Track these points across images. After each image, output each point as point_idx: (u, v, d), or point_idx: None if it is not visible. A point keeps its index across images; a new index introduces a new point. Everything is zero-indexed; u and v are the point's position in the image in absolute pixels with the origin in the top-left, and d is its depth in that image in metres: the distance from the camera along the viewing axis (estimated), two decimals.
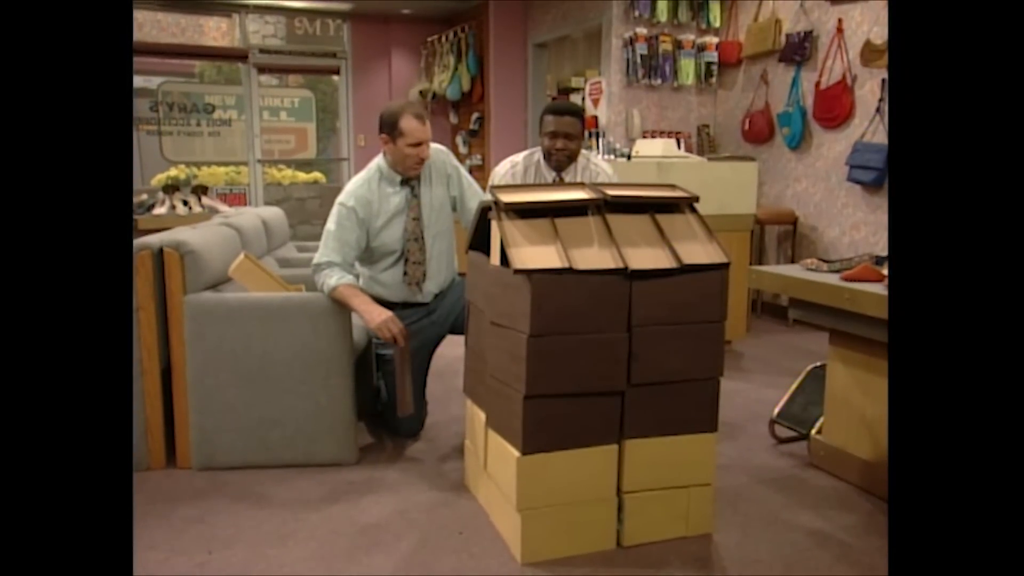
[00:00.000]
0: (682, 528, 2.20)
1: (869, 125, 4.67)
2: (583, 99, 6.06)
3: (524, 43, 7.07)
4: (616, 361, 2.05)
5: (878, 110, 4.60)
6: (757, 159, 5.10)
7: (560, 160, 3.03)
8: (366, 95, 8.03)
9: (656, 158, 4.35)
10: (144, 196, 5.36)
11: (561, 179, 3.07)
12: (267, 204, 6.98)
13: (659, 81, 5.73)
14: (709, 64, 5.80)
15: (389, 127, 2.73)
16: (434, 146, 2.87)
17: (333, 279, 2.64)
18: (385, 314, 2.62)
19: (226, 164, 8.65)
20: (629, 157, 4.49)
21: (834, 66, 4.90)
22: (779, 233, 5.46)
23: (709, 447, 2.20)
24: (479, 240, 2.37)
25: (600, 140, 5.30)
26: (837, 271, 2.59)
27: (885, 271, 2.38)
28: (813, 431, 2.76)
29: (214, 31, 7.56)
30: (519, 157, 3.17)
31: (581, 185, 2.38)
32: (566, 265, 1.97)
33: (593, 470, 2.09)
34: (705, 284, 2.09)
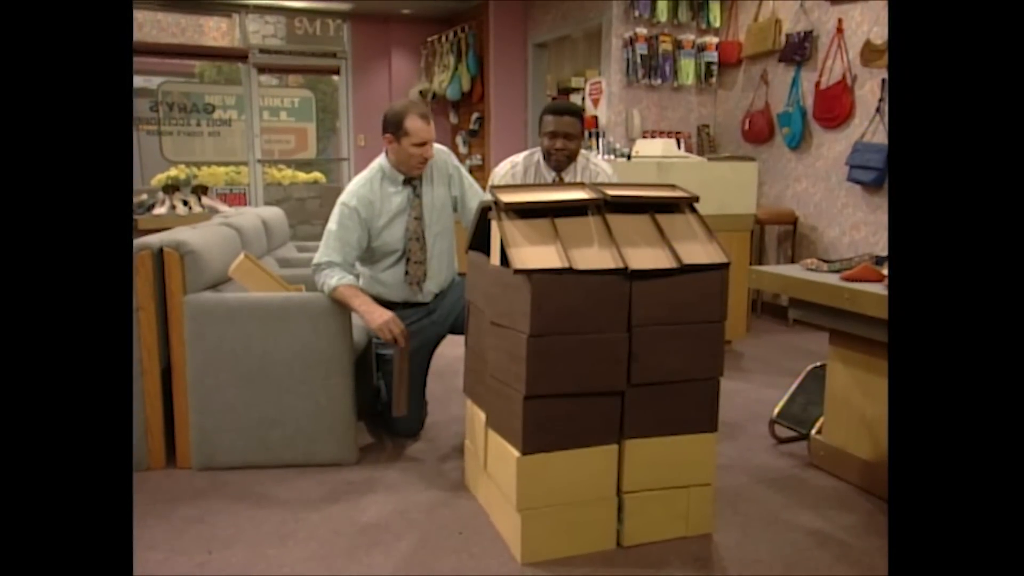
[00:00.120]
0: (682, 528, 2.20)
1: (869, 125, 4.67)
2: (583, 99, 6.05)
3: (524, 43, 7.07)
4: (616, 361, 2.05)
5: (878, 110, 4.60)
6: (757, 159, 5.10)
7: (560, 160, 3.03)
8: (366, 95, 8.03)
9: (656, 158, 4.35)
10: (144, 196, 5.36)
11: (561, 179, 3.07)
12: (267, 204, 6.98)
13: (659, 81, 5.73)
14: (709, 64, 5.80)
15: (394, 127, 2.73)
16: (436, 146, 2.88)
17: (334, 279, 2.64)
18: (386, 315, 2.62)
19: (226, 164, 8.65)
20: (629, 157, 4.49)
21: (834, 66, 4.90)
22: (779, 233, 5.47)
23: (709, 447, 2.20)
24: (479, 240, 2.37)
25: (600, 140, 5.31)
26: (837, 271, 2.59)
27: (885, 271, 2.38)
28: (813, 431, 2.76)
29: (214, 31, 7.56)
30: (519, 157, 3.17)
31: (581, 185, 2.38)
32: (566, 265, 1.97)
33: (593, 470, 2.09)
34: (705, 284, 2.09)
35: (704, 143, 5.92)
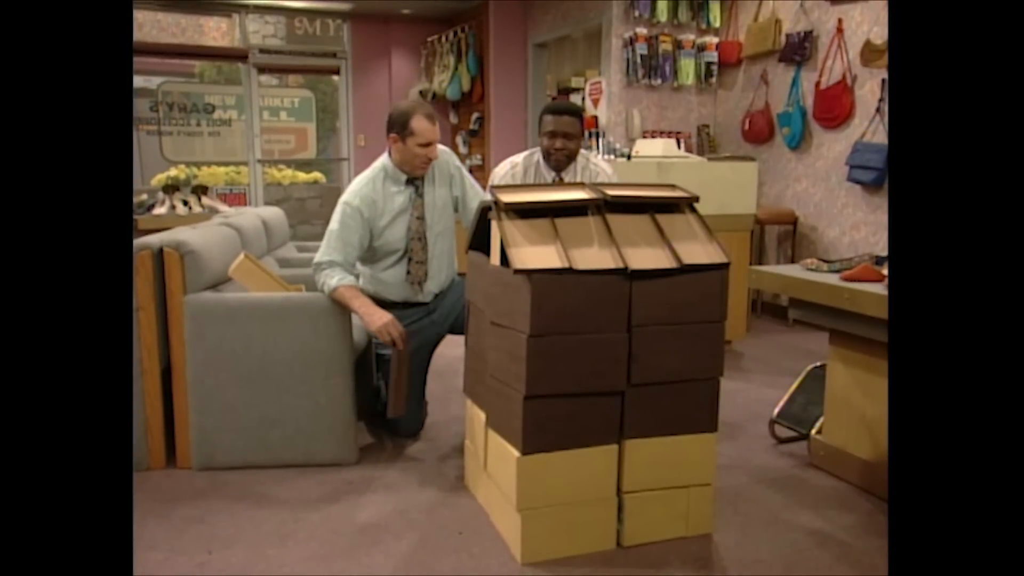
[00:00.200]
0: (682, 528, 2.20)
1: (869, 125, 4.67)
2: (583, 99, 6.05)
3: (524, 43, 7.07)
4: (616, 361, 2.05)
5: (878, 110, 4.60)
6: (757, 159, 5.10)
7: (559, 160, 3.03)
8: (366, 95, 8.03)
9: (656, 158, 4.35)
10: (144, 196, 5.37)
11: (561, 179, 3.07)
12: (267, 204, 6.98)
13: (659, 81, 5.73)
14: (709, 64, 5.80)
15: (400, 126, 2.74)
16: (439, 147, 2.88)
17: (334, 279, 2.64)
18: (386, 317, 2.62)
19: (226, 164, 8.65)
20: (629, 157, 4.48)
21: (834, 66, 4.90)
22: (779, 233, 5.46)
23: (709, 447, 2.20)
24: (479, 240, 2.37)
25: (600, 140, 5.30)
26: (837, 271, 2.59)
27: (885, 271, 2.38)
28: (813, 431, 2.76)
29: (214, 31, 7.56)
30: (519, 158, 3.17)
31: (581, 185, 2.38)
32: (566, 265, 1.97)
33: (593, 470, 2.09)
34: (705, 284, 2.09)
35: (704, 143, 5.92)
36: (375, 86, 8.08)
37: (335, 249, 2.74)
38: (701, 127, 5.97)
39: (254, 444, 2.63)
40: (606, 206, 2.17)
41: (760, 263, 5.47)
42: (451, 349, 3.09)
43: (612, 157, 4.60)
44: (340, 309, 2.64)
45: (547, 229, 2.08)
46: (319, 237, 2.84)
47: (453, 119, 7.98)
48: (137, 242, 2.56)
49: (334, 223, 2.77)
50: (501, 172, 3.16)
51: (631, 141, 5.34)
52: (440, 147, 2.89)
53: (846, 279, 2.43)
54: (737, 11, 5.72)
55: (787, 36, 5.23)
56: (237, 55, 7.75)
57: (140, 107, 8.01)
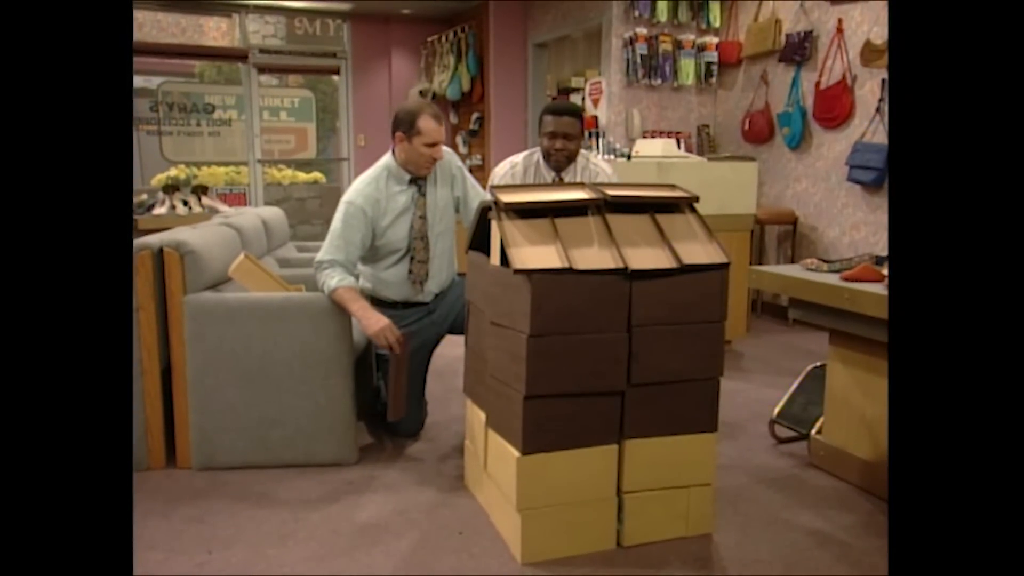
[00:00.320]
0: (682, 528, 2.20)
1: (869, 125, 4.67)
2: (583, 99, 6.05)
3: (524, 43, 7.07)
4: (616, 361, 2.05)
5: (878, 110, 4.60)
6: (757, 159, 5.10)
7: (559, 161, 3.03)
8: (366, 95, 8.03)
9: (656, 158, 4.35)
10: (144, 196, 5.37)
11: (561, 179, 3.07)
12: (267, 204, 6.98)
13: (659, 81, 5.73)
14: (709, 64, 5.80)
15: (407, 125, 2.74)
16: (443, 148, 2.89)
17: (334, 280, 2.64)
18: (382, 321, 2.61)
19: (226, 164, 8.65)
20: (629, 157, 4.49)
21: (834, 66, 4.90)
22: (779, 233, 5.46)
23: (709, 447, 2.20)
24: (479, 240, 2.37)
25: (600, 140, 5.30)
26: (837, 271, 2.59)
27: (885, 271, 2.38)
28: (813, 431, 2.76)
29: (214, 31, 7.57)
30: (519, 158, 3.17)
31: (581, 185, 2.38)
32: (566, 265, 1.97)
33: (593, 470, 2.09)
34: (705, 284, 2.09)
35: (704, 143, 5.92)
36: (375, 86, 8.08)
37: (337, 248, 2.74)
38: (701, 127, 5.97)
39: (254, 444, 2.63)
40: (606, 206, 2.17)
41: (760, 263, 5.47)
42: (451, 349, 3.09)
43: (612, 157, 4.60)
44: (340, 309, 2.64)
45: (547, 229, 2.08)
46: (319, 237, 2.84)
47: (453, 119, 7.97)
48: (137, 242, 2.56)
49: (336, 222, 2.78)
50: (501, 172, 3.16)
51: (631, 141, 5.34)
52: (444, 148, 2.90)
53: (846, 279, 2.43)
54: (737, 11, 5.72)
55: (787, 36, 5.23)
56: (237, 55, 7.75)
57: (140, 107, 8.01)
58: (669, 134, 5.61)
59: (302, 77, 9.57)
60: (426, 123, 2.73)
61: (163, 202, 5.07)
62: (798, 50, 5.11)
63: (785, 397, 2.98)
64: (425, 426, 3.07)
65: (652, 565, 2.07)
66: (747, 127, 5.60)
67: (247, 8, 7.51)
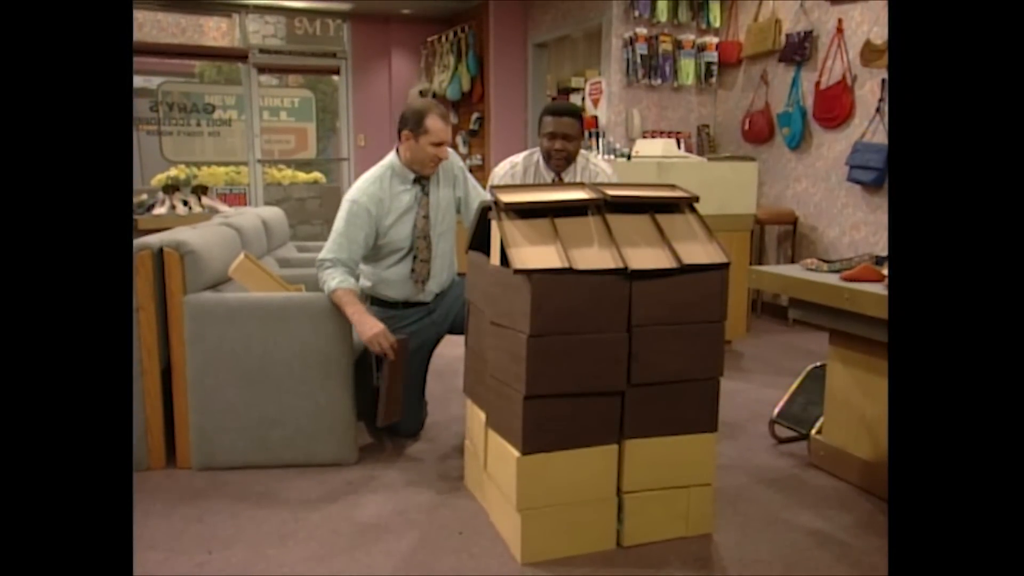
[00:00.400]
0: (682, 528, 2.20)
1: (869, 125, 4.67)
2: (583, 99, 6.06)
3: (524, 43, 7.07)
4: (616, 361, 2.05)
5: (878, 110, 4.60)
6: (757, 159, 5.10)
7: (559, 161, 3.03)
8: (366, 95, 8.03)
9: (656, 158, 4.35)
10: (144, 196, 5.37)
11: (560, 179, 3.07)
12: (267, 204, 6.98)
13: (659, 81, 5.73)
14: (709, 64, 5.80)
15: (415, 123, 2.75)
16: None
17: (334, 281, 2.64)
18: (377, 327, 2.60)
19: (226, 164, 8.66)
20: (629, 157, 4.49)
21: (834, 66, 4.90)
22: (779, 233, 5.46)
23: (709, 447, 2.20)
24: (479, 240, 2.37)
25: (600, 140, 5.31)
26: (837, 271, 2.59)
27: (885, 271, 2.38)
28: (813, 431, 2.76)
29: (214, 31, 7.57)
30: (518, 158, 3.17)
31: (581, 185, 2.38)
32: (566, 265, 1.97)
33: (593, 470, 2.09)
34: (705, 284, 2.09)
35: (704, 143, 5.92)
36: (375, 86, 8.08)
37: (340, 247, 2.74)
38: (701, 127, 5.97)
39: (254, 444, 2.63)
40: (606, 206, 2.17)
41: (760, 263, 5.47)
42: (451, 349, 3.09)
43: (612, 157, 4.60)
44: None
45: (547, 229, 2.08)
46: (319, 237, 2.85)
47: (453, 119, 7.97)
48: (137, 242, 2.56)
49: (340, 221, 2.78)
50: (501, 172, 3.16)
51: (631, 141, 5.34)
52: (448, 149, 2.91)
53: (846, 279, 2.43)
54: (737, 11, 5.72)
55: (787, 36, 5.23)
56: (237, 55, 7.75)
57: (140, 107, 8.01)
58: (669, 134, 5.61)
59: (302, 77, 9.58)
60: (434, 122, 2.74)
61: (163, 202, 5.07)
62: (798, 50, 5.11)
63: (785, 397, 2.98)
64: (425, 426, 3.07)
65: (652, 565, 2.07)
66: (747, 127, 5.60)
67: (247, 8, 7.51)
